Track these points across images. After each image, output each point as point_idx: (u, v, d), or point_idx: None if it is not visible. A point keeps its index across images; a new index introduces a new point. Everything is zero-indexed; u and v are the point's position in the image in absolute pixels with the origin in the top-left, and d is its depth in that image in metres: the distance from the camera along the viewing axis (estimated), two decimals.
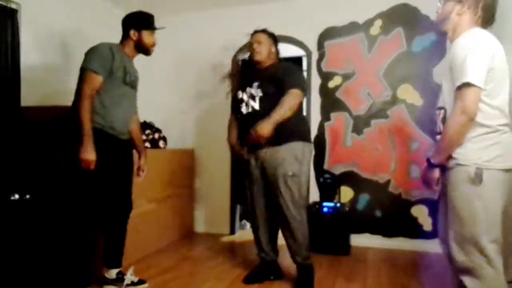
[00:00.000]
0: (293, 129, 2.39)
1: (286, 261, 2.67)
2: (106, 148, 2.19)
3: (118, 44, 2.37)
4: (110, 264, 2.44)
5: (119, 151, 2.31)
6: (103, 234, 2.41)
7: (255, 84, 2.47)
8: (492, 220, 1.49)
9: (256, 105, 2.44)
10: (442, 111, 1.71)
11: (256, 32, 2.62)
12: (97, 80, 2.16)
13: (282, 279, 2.60)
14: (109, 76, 2.21)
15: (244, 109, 2.50)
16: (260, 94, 2.44)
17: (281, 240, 2.57)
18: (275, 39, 2.62)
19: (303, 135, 2.48)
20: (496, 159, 1.49)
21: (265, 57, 2.54)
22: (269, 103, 2.37)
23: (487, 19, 1.63)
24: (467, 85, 1.47)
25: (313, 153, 2.72)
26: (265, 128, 2.26)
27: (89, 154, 2.09)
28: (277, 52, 2.62)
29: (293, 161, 2.38)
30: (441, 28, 1.73)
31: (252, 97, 2.46)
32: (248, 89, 2.50)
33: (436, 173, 1.63)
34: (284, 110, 2.30)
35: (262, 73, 2.51)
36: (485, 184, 1.48)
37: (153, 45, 2.42)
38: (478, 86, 1.46)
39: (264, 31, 2.61)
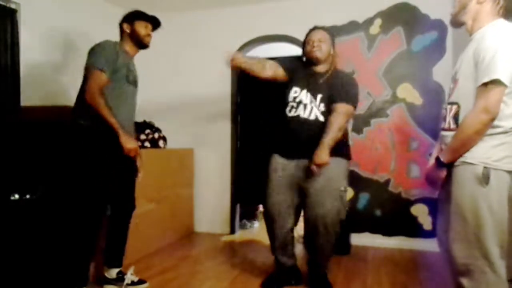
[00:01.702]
0: (343, 145, 2.35)
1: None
2: (114, 148, 2.19)
3: (120, 42, 2.38)
4: (111, 263, 2.44)
5: (118, 149, 2.31)
6: (106, 233, 2.42)
7: (319, 96, 2.32)
8: (498, 223, 1.42)
9: (320, 116, 2.31)
10: (455, 106, 1.55)
11: (316, 28, 2.41)
12: (102, 77, 2.16)
13: (301, 285, 2.49)
14: (113, 74, 2.21)
15: (302, 112, 2.33)
16: (323, 109, 2.32)
17: None
18: (333, 40, 2.42)
19: (348, 153, 2.42)
20: (505, 159, 1.43)
21: (325, 57, 2.36)
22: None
23: (509, 10, 1.54)
24: (495, 82, 1.38)
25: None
26: (323, 156, 2.18)
27: (131, 142, 2.20)
28: (334, 56, 2.42)
29: (344, 176, 2.35)
30: (459, 18, 1.62)
31: (316, 106, 2.34)
32: (309, 94, 2.34)
33: (444, 172, 1.55)
34: (335, 133, 2.21)
35: (323, 85, 2.35)
36: (492, 185, 1.41)
37: (147, 35, 2.39)
38: (506, 84, 1.39)
39: (325, 28, 2.42)
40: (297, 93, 2.36)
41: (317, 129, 2.28)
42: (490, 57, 1.40)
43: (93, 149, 2.18)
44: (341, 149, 2.33)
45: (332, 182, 2.29)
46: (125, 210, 2.46)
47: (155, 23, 2.46)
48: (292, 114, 2.35)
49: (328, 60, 2.38)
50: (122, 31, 2.39)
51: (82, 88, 2.22)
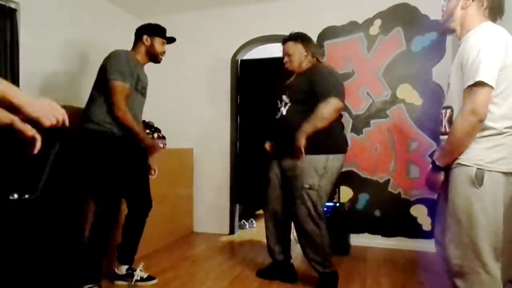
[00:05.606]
0: (317, 141, 2.29)
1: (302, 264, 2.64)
2: (117, 150, 2.26)
3: (131, 51, 2.44)
4: (122, 260, 2.50)
5: (130, 151, 2.35)
6: (122, 231, 2.48)
7: (287, 92, 2.46)
8: (492, 225, 1.42)
9: (284, 111, 2.44)
10: (449, 110, 1.56)
11: (284, 41, 2.51)
12: (127, 89, 2.25)
13: (294, 283, 2.51)
14: None
15: (278, 115, 2.50)
16: (287, 101, 2.43)
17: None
18: (305, 41, 2.49)
19: (329, 148, 2.35)
20: (499, 161, 1.42)
21: (298, 66, 2.46)
22: (295, 109, 2.38)
23: (495, 10, 1.53)
24: (479, 84, 1.38)
25: (338, 164, 2.40)
26: (297, 140, 2.25)
27: (151, 140, 2.33)
28: (313, 53, 2.48)
29: (313, 173, 2.32)
30: (448, 26, 1.62)
31: (284, 104, 2.46)
32: (283, 97, 2.48)
33: (441, 176, 1.55)
34: (314, 121, 2.26)
35: (295, 81, 2.48)
36: (485, 186, 1.41)
37: (163, 53, 2.51)
38: (491, 85, 1.38)
39: (291, 38, 2.49)
40: (278, 104, 2.53)
41: (283, 123, 2.43)
42: (473, 59, 1.40)
43: (99, 151, 2.23)
44: (316, 147, 2.30)
45: (296, 180, 2.36)
46: (142, 209, 2.51)
47: (171, 40, 2.55)
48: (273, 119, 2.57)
49: (303, 64, 2.45)
50: (139, 40, 2.45)
51: (109, 102, 2.24)
